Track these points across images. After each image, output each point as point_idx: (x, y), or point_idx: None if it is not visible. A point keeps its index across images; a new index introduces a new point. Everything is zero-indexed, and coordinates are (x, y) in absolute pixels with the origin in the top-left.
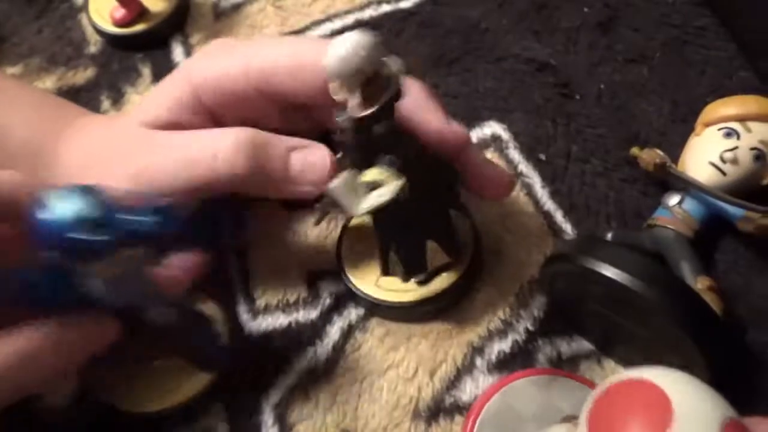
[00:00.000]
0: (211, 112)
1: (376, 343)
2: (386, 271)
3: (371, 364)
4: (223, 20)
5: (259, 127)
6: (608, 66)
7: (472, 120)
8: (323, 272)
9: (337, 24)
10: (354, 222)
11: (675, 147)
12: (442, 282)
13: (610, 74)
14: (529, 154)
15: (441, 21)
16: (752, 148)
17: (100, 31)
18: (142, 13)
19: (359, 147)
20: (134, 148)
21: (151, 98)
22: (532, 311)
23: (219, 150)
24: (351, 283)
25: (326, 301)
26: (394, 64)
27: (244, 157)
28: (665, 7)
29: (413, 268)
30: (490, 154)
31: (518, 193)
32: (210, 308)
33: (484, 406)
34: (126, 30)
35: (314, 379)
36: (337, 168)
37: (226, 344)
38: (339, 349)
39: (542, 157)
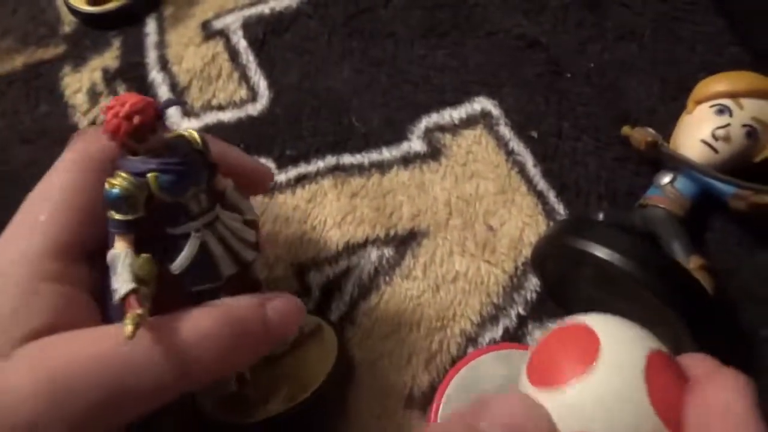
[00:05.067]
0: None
1: (366, 334)
2: None
3: (361, 353)
4: None
5: None
6: (597, 44)
7: (461, 95)
8: (310, 263)
9: None
10: None
11: (665, 125)
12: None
13: (600, 52)
14: (520, 131)
15: None
16: (744, 125)
17: (73, 11)
18: None
19: None
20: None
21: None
22: (525, 295)
23: None
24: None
25: (316, 293)
26: None
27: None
28: None
29: None
30: (479, 131)
31: (510, 172)
32: None
33: (450, 382)
34: (100, 8)
35: None
36: None
37: None
38: None
39: (534, 134)
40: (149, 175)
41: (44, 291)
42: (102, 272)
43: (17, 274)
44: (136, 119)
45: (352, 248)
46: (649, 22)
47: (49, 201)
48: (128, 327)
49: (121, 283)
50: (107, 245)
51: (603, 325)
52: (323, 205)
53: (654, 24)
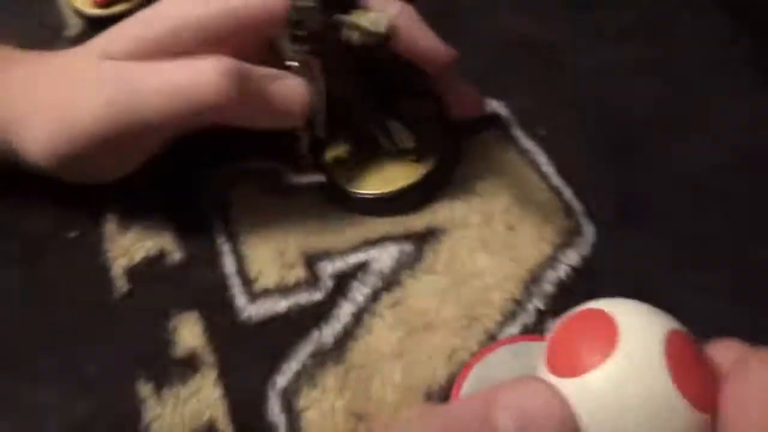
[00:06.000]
0: (188, 53)
1: (388, 330)
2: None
3: (383, 348)
4: None
5: None
6: (599, 41)
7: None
8: (322, 254)
9: None
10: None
11: (667, 123)
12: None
13: (602, 50)
14: (530, 130)
15: None
16: None
17: (80, 14)
18: None
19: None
20: (103, 80)
21: (115, 34)
22: (544, 288)
23: (203, 78)
24: (333, 179)
25: (328, 283)
26: None
27: (228, 85)
28: None
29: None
30: (490, 132)
31: (524, 170)
32: None
33: (466, 376)
34: (106, 11)
35: (321, 363)
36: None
37: None
38: (348, 333)
39: (543, 132)
40: None
41: None
42: None
43: None
44: None
45: (371, 243)
46: (649, 19)
47: None
48: None
49: None
50: None
51: (620, 310)
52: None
53: (654, 21)
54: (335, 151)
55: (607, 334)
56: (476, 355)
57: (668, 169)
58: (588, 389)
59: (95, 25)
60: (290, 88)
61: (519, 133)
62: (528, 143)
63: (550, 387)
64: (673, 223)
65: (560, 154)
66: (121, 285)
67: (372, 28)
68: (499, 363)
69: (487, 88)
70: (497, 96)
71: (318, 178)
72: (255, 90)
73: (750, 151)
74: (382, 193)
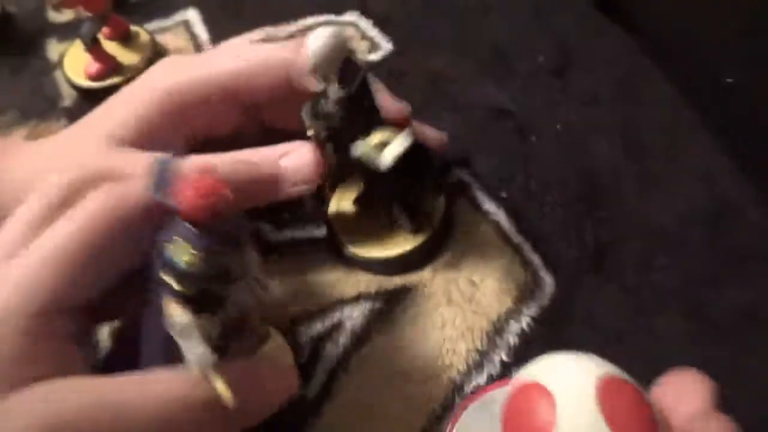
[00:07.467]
0: (178, 120)
1: (357, 387)
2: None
3: (355, 410)
4: None
5: (215, 132)
6: (564, 108)
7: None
8: (301, 317)
9: None
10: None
11: (626, 180)
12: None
13: (566, 115)
14: (492, 193)
15: (407, 71)
16: None
17: (74, 86)
18: (115, 67)
19: (344, 126)
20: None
21: (115, 114)
22: (507, 340)
23: None
24: (342, 243)
25: (307, 347)
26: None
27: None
28: (612, 53)
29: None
30: (455, 196)
31: (487, 231)
32: None
33: None
34: (100, 84)
35: None
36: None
37: None
38: (322, 399)
39: (503, 195)
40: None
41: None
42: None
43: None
44: (217, 204)
45: (345, 302)
46: (611, 88)
47: (52, 252)
48: (227, 394)
49: (200, 354)
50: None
51: (553, 377)
52: (320, 270)
53: (615, 90)
54: (340, 204)
55: (546, 409)
56: (454, 416)
57: (624, 223)
58: None
59: (88, 97)
60: (297, 161)
61: (481, 196)
62: (490, 205)
63: None
64: (627, 272)
65: (520, 213)
66: None
67: (377, 161)
68: (473, 420)
69: (455, 156)
70: (464, 163)
71: (295, 234)
72: (264, 170)
73: (704, 204)
74: (381, 258)
